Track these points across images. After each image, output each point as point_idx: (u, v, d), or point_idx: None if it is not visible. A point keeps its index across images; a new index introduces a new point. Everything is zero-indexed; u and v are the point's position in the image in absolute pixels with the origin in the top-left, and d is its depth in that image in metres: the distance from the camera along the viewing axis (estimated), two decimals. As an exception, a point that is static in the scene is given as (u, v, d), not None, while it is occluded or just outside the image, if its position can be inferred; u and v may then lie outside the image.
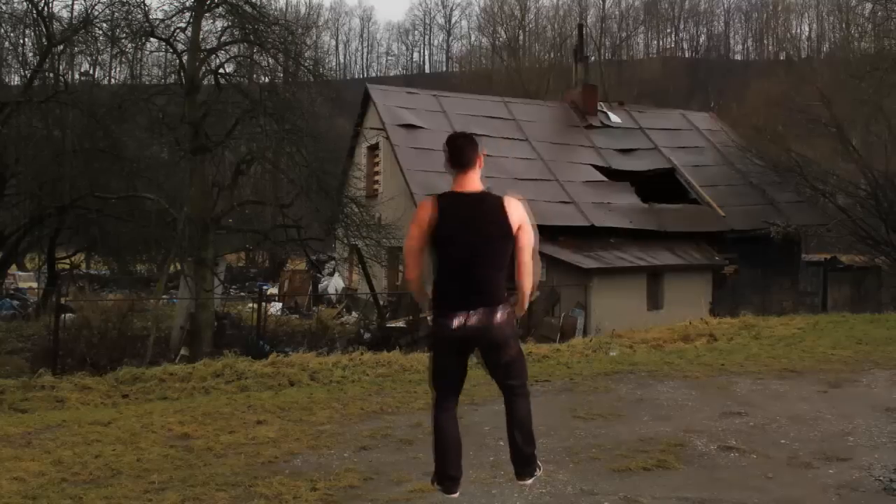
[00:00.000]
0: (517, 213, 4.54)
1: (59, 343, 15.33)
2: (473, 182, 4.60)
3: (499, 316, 4.48)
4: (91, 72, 27.71)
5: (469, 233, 4.48)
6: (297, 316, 24.55)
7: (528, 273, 4.61)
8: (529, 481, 4.80)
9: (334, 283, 28.93)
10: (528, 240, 4.58)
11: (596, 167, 26.34)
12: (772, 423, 7.13)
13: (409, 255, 4.65)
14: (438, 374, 4.71)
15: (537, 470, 4.80)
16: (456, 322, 4.44)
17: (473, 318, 4.44)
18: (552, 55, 68.96)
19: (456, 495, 4.71)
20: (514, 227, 4.51)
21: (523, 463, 4.74)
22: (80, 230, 24.55)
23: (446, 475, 4.66)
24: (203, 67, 19.60)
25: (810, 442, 6.53)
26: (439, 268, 4.57)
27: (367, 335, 19.33)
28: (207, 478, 5.74)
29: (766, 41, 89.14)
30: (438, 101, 27.82)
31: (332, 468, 5.95)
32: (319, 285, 29.53)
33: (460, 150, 4.61)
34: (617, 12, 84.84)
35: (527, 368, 4.86)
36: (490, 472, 5.73)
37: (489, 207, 4.52)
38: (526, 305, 4.75)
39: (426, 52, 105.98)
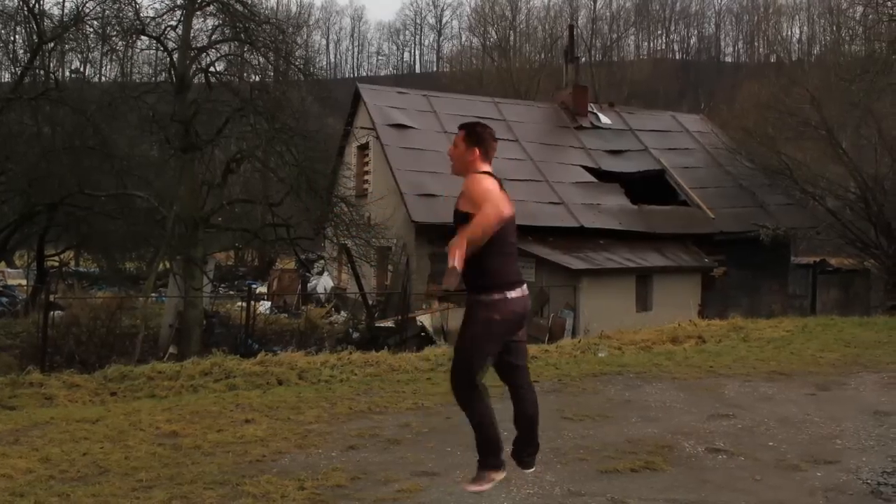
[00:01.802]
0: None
1: (47, 340, 15.25)
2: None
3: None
4: (81, 69, 27.79)
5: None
6: (286, 315, 24.47)
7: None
8: (534, 469, 4.91)
9: (323, 283, 28.89)
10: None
11: (586, 168, 26.35)
12: (760, 426, 7.16)
13: (479, 233, 4.25)
14: (484, 363, 4.50)
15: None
16: (521, 293, 4.52)
17: (526, 293, 4.58)
18: (543, 56, 68.89)
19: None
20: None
21: (534, 451, 4.80)
22: (70, 227, 24.43)
23: (502, 459, 4.59)
24: (193, 66, 19.56)
25: (798, 444, 6.56)
26: (499, 248, 4.44)
27: (355, 335, 19.30)
28: (195, 476, 5.73)
29: (756, 43, 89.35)
30: (429, 100, 27.81)
31: (319, 467, 5.94)
32: (308, 284, 29.49)
33: (491, 146, 4.69)
34: (608, 13, 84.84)
35: None
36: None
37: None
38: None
39: (417, 52, 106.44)
